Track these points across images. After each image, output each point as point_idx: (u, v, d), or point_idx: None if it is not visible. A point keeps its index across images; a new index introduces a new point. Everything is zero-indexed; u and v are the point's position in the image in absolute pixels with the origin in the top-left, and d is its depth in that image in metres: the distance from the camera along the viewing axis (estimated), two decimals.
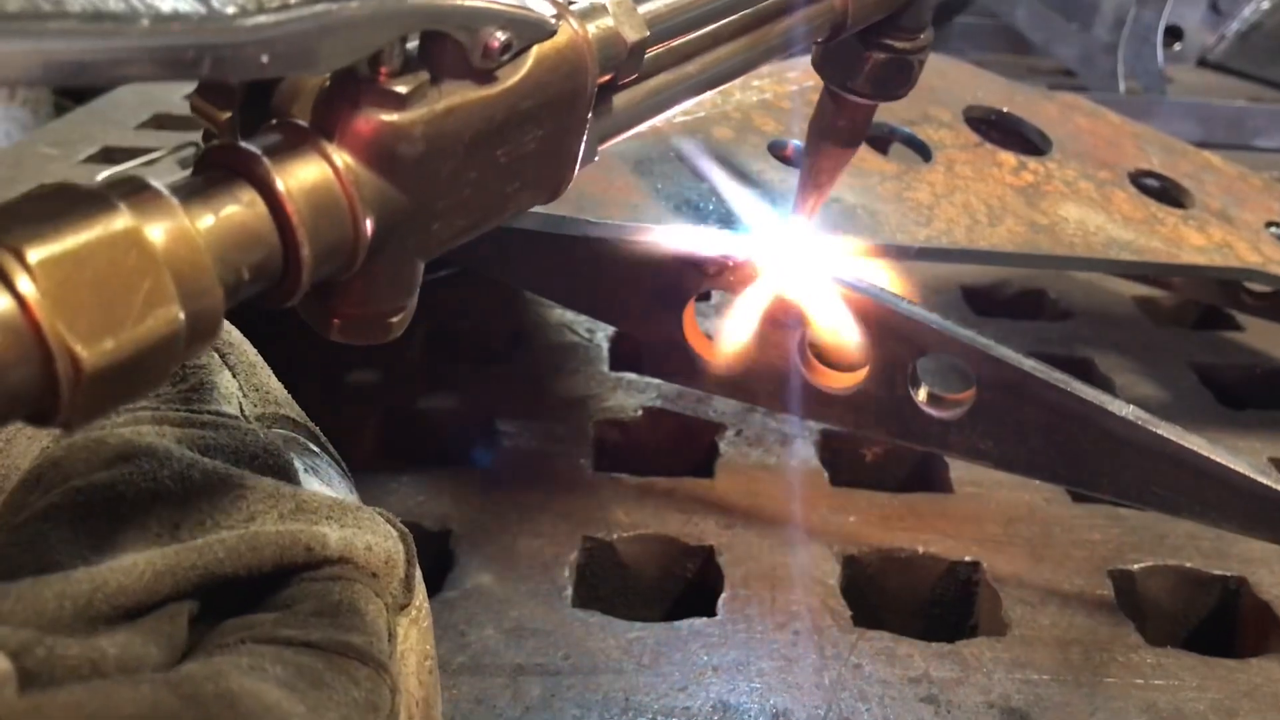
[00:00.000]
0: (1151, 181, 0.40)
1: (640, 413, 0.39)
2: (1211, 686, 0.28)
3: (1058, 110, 0.41)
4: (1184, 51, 0.98)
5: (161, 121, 0.70)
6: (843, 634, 0.29)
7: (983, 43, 0.96)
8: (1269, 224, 0.39)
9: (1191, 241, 0.36)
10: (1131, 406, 0.28)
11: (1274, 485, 0.27)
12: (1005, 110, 0.40)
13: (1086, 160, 0.39)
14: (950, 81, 0.41)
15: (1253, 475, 0.27)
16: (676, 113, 0.33)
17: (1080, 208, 0.36)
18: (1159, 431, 0.28)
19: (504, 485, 0.35)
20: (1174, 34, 0.98)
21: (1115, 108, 0.74)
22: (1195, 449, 0.27)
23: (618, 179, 0.30)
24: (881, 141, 0.37)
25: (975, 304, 0.49)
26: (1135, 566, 0.32)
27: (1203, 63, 0.97)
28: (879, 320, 0.28)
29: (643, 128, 0.22)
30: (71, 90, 0.86)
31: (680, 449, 0.38)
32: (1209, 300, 0.45)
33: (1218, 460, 0.27)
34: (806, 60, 0.38)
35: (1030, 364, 0.28)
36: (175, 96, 0.75)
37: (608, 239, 0.29)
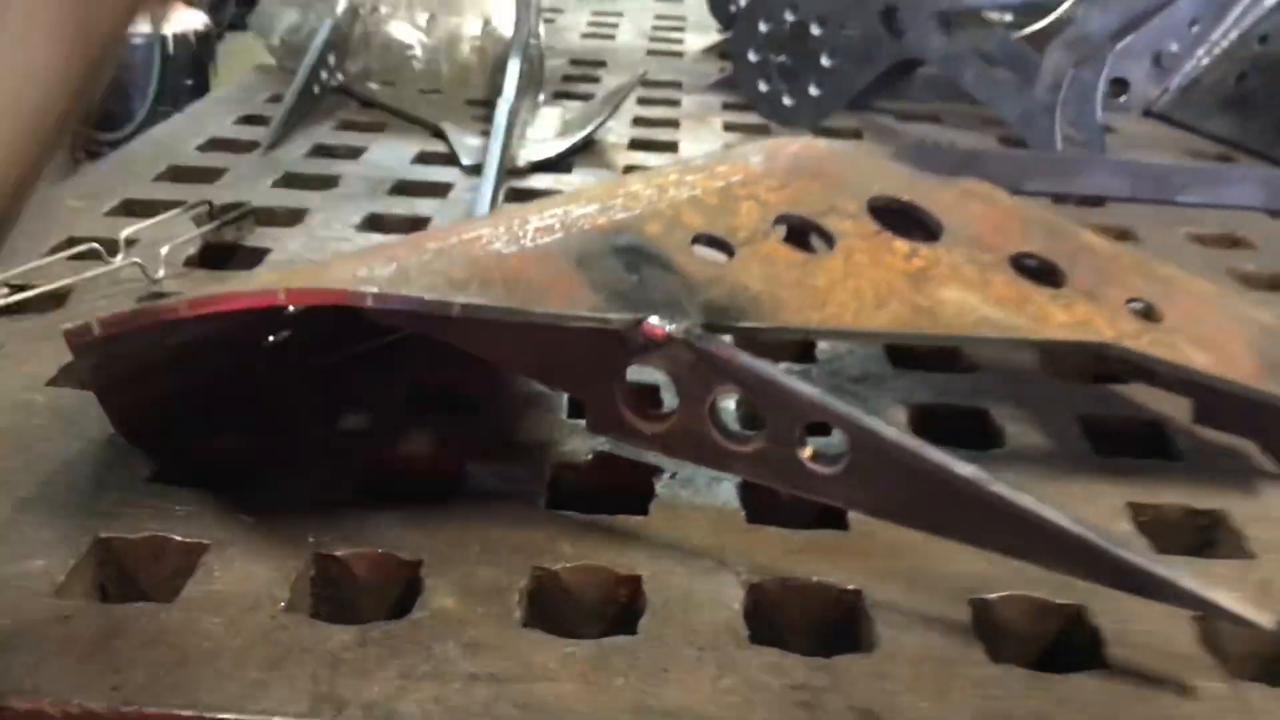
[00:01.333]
0: (1031, 263, 0.46)
1: (591, 456, 0.46)
2: (1035, 696, 0.34)
3: (954, 197, 0.48)
4: (1130, 102, 1.04)
5: (176, 174, 0.77)
6: (739, 650, 0.36)
7: (944, 92, 1.03)
8: (1129, 300, 0.46)
9: (1056, 319, 0.43)
10: (972, 467, 0.34)
11: (1083, 533, 0.33)
12: (905, 199, 0.46)
13: (973, 245, 0.45)
14: (860, 173, 0.47)
15: (1065, 524, 0.33)
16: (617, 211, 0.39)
17: (960, 290, 0.42)
18: (993, 489, 0.34)
19: (469, 521, 0.41)
20: (1121, 85, 1.04)
21: (1050, 165, 0.81)
22: (1021, 503, 0.34)
23: (561, 274, 0.37)
24: (800, 233, 0.44)
25: (894, 356, 0.55)
26: (992, 596, 0.39)
27: (1147, 113, 1.04)
28: (764, 391, 0.35)
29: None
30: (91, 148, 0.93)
31: (623, 489, 0.45)
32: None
33: (1039, 512, 0.34)
34: (737, 155, 0.44)
35: (892, 432, 0.35)
36: (188, 148, 0.82)
37: (547, 325, 0.35)
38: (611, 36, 1.28)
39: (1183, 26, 1.01)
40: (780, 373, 0.35)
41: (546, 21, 1.33)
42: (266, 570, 0.38)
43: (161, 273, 0.60)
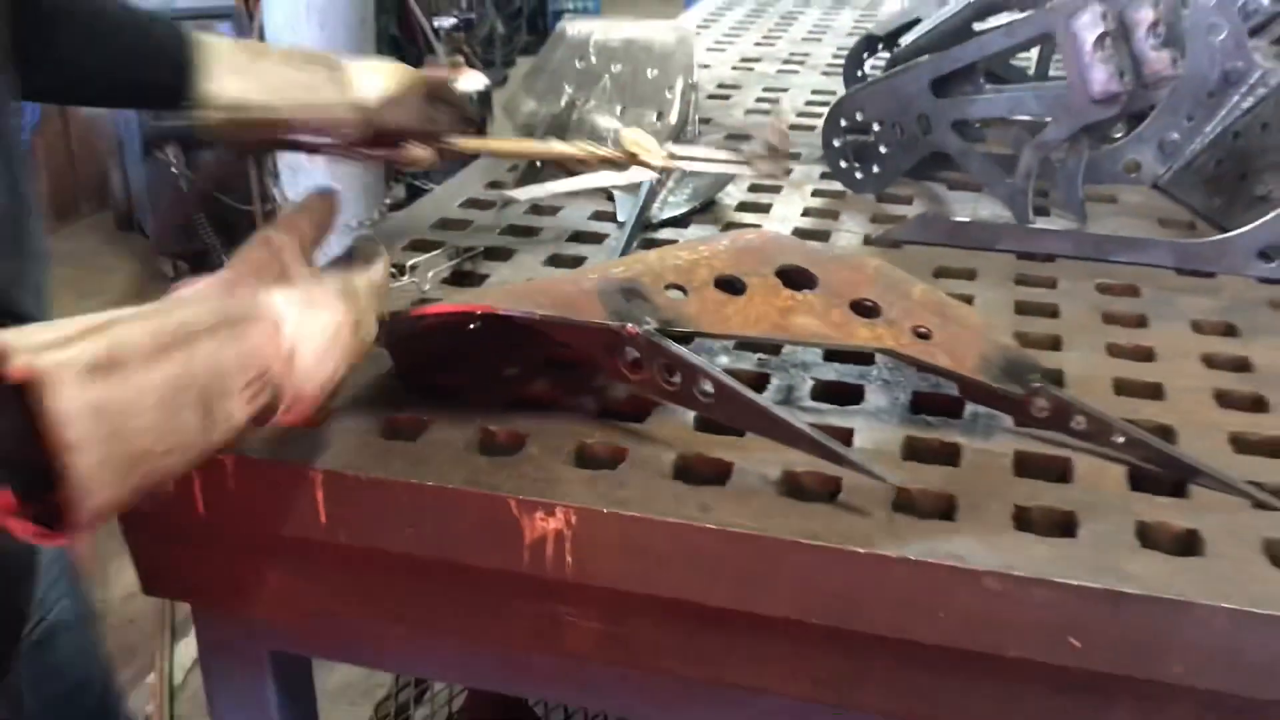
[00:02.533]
0: (866, 303, 0.85)
1: (625, 395, 0.88)
2: (794, 513, 0.74)
3: (834, 264, 0.87)
4: (1141, 178, 1.35)
5: (444, 223, 1.24)
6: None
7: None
8: (915, 327, 0.83)
9: (860, 335, 0.82)
10: (763, 398, 0.74)
11: (802, 428, 0.73)
12: (801, 266, 0.86)
13: (830, 293, 0.84)
14: (781, 250, 0.87)
15: (795, 424, 0.73)
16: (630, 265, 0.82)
17: (807, 318, 0.82)
18: (770, 410, 0.74)
19: (559, 421, 0.85)
20: (1135, 165, 1.35)
21: (1018, 233, 1.15)
22: (776, 413, 0.73)
23: (590, 300, 0.79)
24: (729, 284, 0.84)
25: (827, 355, 0.94)
26: (795, 469, 0.78)
27: (1155, 186, 1.34)
28: (679, 362, 0.76)
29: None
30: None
31: (635, 410, 0.86)
32: None
33: (789, 421, 0.73)
34: (718, 238, 0.86)
35: (729, 381, 0.75)
36: (453, 205, 1.29)
37: (579, 326, 0.78)
38: (768, 112, 1.69)
39: (1182, 121, 1.31)
40: (687, 352, 0.77)
41: (721, 98, 1.75)
42: (460, 432, 0.82)
43: (428, 287, 1.06)
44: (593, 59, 1.51)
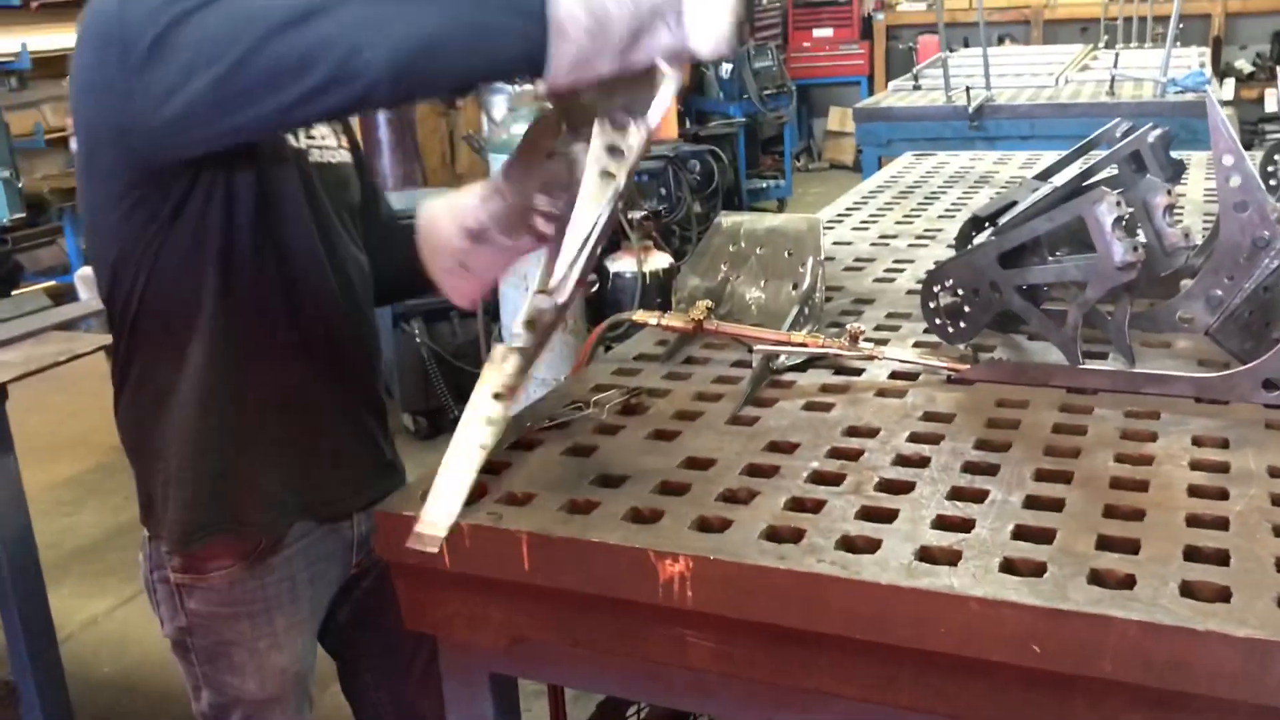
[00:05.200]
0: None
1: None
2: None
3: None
4: (1194, 326, 1.62)
5: (621, 371, 1.64)
6: None
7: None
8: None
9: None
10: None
11: None
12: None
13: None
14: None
15: None
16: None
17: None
18: None
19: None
20: (1186, 320, 1.63)
21: (1068, 372, 1.45)
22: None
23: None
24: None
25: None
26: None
27: (1206, 333, 1.61)
28: None
29: None
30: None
31: None
32: None
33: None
34: None
35: None
36: (630, 355, 1.69)
37: None
38: (893, 280, 2.04)
39: (1224, 279, 1.59)
40: None
41: (857, 269, 2.11)
42: (619, 508, 1.19)
43: (605, 416, 1.45)
44: (743, 244, 1.91)
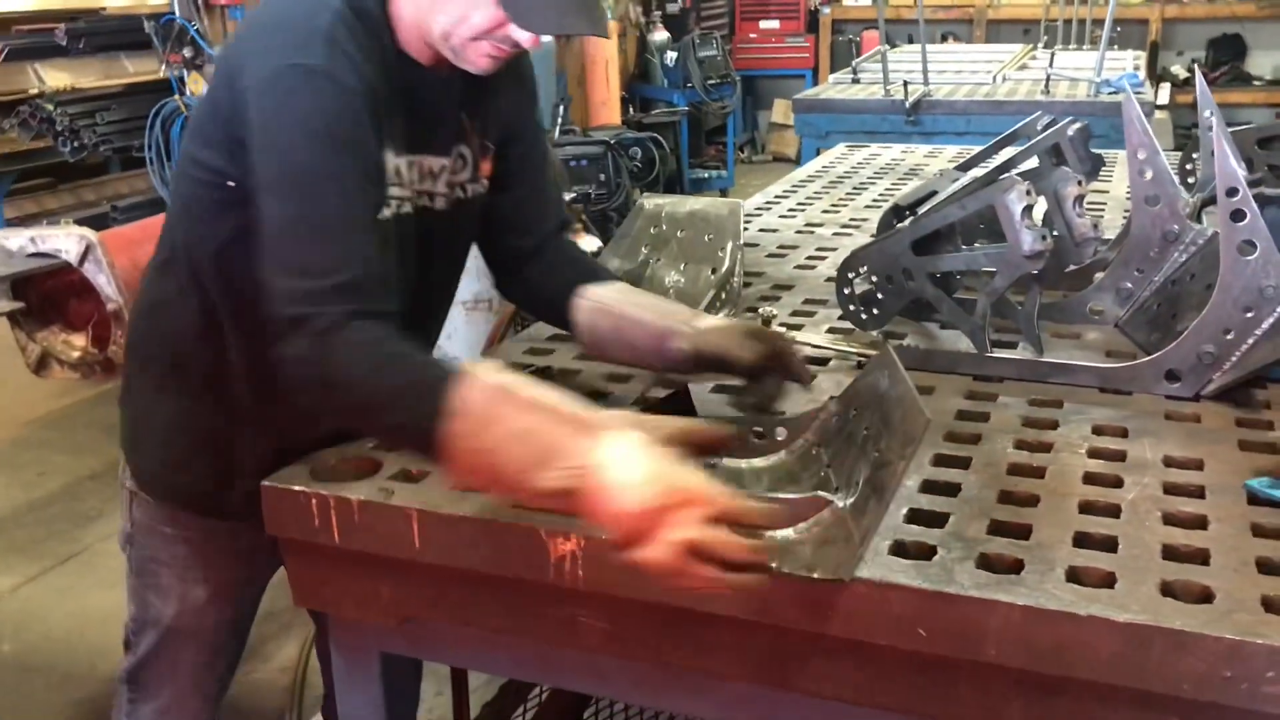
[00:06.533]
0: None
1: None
2: None
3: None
4: (1104, 318, 1.63)
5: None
6: None
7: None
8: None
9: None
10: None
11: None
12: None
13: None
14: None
15: None
16: None
17: None
18: None
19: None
20: (1099, 311, 1.64)
21: (973, 360, 1.45)
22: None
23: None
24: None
25: None
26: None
27: (1116, 326, 1.62)
28: None
29: None
30: None
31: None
32: None
33: None
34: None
35: None
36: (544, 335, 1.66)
37: None
38: (814, 267, 2.03)
39: (1133, 272, 1.60)
40: None
41: (779, 256, 2.10)
42: None
43: None
44: (664, 226, 1.89)
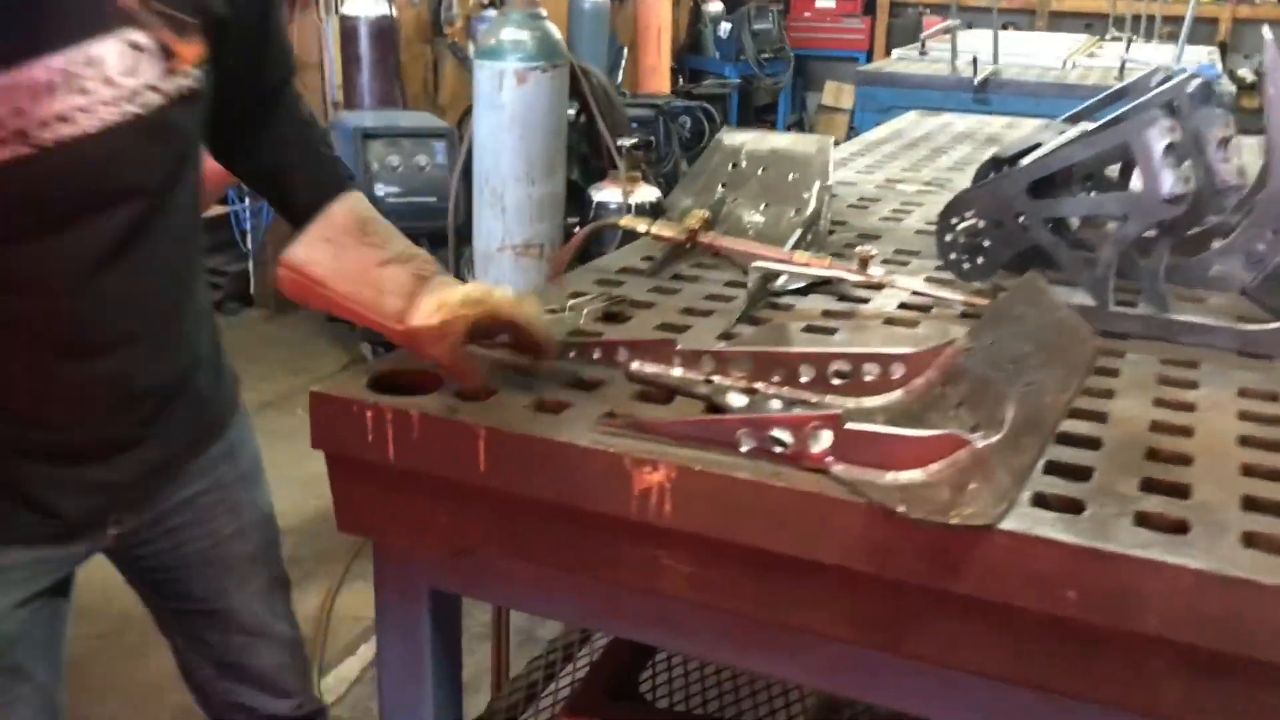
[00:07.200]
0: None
1: None
2: None
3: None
4: (1230, 283, 1.49)
5: (602, 281, 1.48)
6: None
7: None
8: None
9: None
10: None
11: None
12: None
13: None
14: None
15: None
16: None
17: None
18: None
19: None
20: (1220, 276, 1.49)
21: (1101, 315, 1.30)
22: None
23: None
24: None
25: None
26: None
27: (1242, 292, 1.48)
28: None
29: None
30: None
31: None
32: None
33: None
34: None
35: None
36: (614, 269, 1.53)
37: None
38: (900, 220, 1.89)
39: (1267, 234, 1.45)
40: None
41: (860, 208, 1.96)
42: (594, 410, 1.03)
43: (582, 321, 1.30)
44: (743, 164, 1.76)
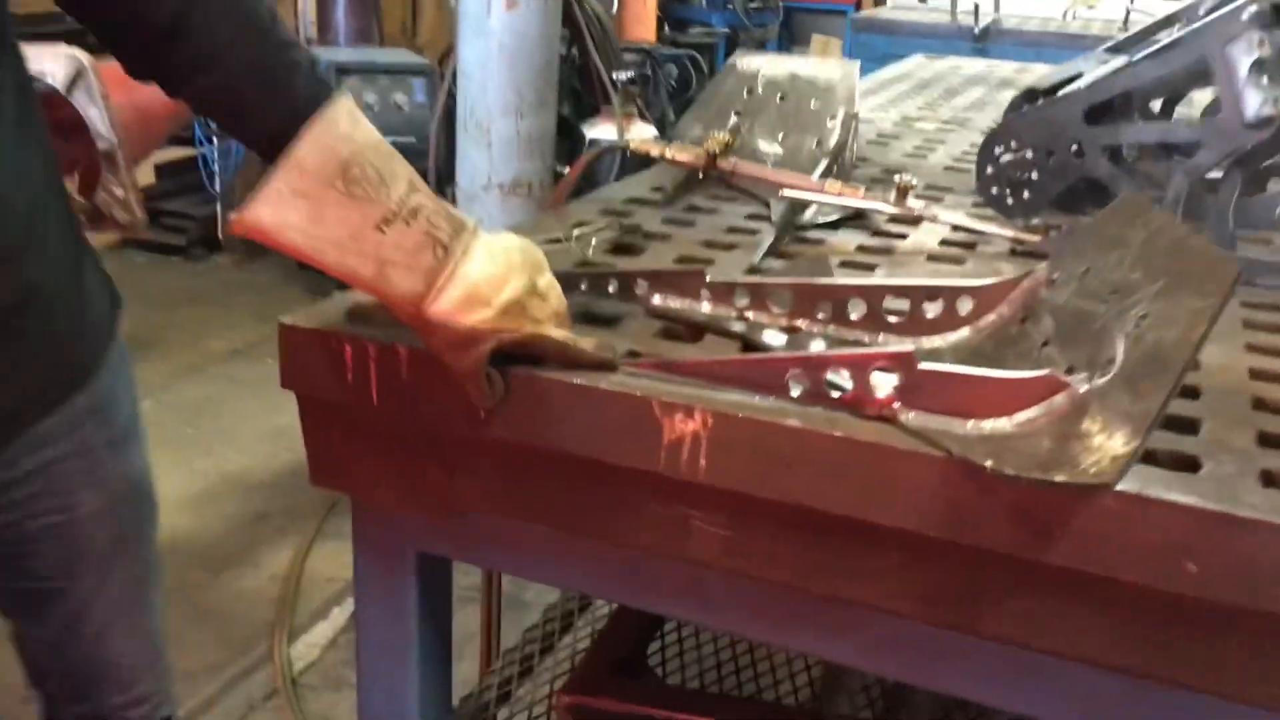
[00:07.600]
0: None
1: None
2: None
3: None
4: None
5: (607, 210, 1.33)
6: None
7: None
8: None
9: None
10: None
11: None
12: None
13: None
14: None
15: None
16: None
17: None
18: None
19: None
20: None
21: None
22: None
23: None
24: None
25: None
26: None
27: None
28: None
29: None
30: None
31: None
32: None
33: None
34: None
35: None
36: (619, 198, 1.38)
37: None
38: (925, 156, 1.74)
39: None
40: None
41: (880, 145, 1.81)
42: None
43: (590, 253, 1.14)
44: (759, 90, 1.60)
